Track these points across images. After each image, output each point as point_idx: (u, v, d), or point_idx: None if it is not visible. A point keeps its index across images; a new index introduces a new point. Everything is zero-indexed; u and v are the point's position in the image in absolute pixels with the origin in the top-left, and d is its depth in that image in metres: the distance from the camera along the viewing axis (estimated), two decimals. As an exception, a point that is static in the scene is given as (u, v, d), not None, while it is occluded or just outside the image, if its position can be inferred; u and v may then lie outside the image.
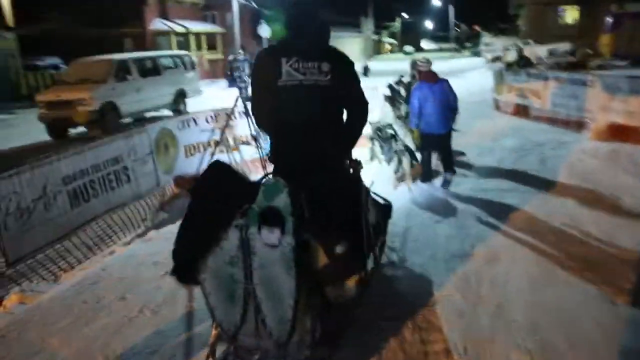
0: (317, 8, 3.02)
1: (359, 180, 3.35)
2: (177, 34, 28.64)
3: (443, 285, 3.78)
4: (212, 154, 7.78)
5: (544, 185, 6.40)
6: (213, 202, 2.36)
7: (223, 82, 26.93)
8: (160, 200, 7.13)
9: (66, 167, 5.64)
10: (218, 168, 2.52)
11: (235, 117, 8.44)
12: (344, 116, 3.08)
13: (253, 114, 3.18)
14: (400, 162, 6.67)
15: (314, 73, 2.86)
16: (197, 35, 30.42)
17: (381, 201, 4.58)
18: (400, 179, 6.81)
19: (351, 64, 3.04)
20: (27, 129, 14.34)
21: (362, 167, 3.33)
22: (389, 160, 6.74)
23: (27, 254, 5.03)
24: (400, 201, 6.03)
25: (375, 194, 4.73)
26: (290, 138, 2.94)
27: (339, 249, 2.68)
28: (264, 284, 2.38)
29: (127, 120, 13.84)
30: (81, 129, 13.22)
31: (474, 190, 6.33)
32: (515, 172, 7.18)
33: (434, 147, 6.62)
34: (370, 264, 3.70)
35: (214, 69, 31.02)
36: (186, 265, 2.37)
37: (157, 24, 27.77)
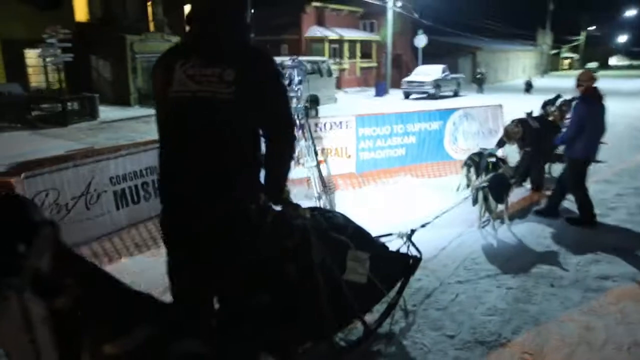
0: None
1: (301, 231, 2.47)
2: (331, 40, 28.97)
3: (434, 387, 2.68)
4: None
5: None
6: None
7: (373, 91, 26.65)
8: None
9: (115, 168, 5.53)
10: (9, 202, 1.88)
11: (323, 127, 7.79)
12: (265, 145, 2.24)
13: None
14: (485, 199, 5.38)
15: (212, 82, 2.06)
16: (352, 42, 30.48)
17: (412, 252, 3.56)
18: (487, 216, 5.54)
19: (271, 71, 2.17)
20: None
21: (302, 214, 2.45)
22: (474, 200, 5.48)
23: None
24: (472, 246, 4.87)
25: (410, 241, 3.72)
26: (175, 170, 2.19)
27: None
28: None
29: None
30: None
31: (580, 244, 4.86)
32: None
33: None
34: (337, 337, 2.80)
35: (366, 77, 30.82)
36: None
37: (313, 31, 28.41)
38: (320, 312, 2.61)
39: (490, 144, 8.69)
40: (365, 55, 31.81)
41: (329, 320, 2.67)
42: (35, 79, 19.78)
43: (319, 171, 6.12)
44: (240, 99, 2.05)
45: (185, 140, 2.12)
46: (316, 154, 6.03)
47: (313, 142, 5.96)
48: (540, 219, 5.78)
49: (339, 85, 28.52)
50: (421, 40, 28.45)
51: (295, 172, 7.30)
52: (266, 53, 2.23)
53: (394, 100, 23.29)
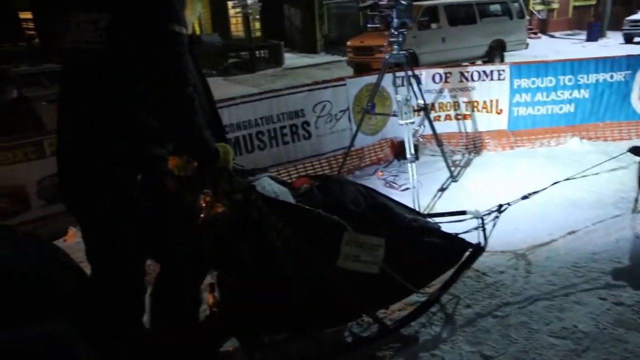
0: None
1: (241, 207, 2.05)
2: (540, -24, 25.41)
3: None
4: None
5: None
6: None
7: (585, 35, 22.90)
8: (351, 163, 6.45)
9: (229, 116, 5.58)
10: None
11: (470, 78, 6.81)
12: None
13: None
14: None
15: (88, 31, 1.77)
16: (566, -23, 26.36)
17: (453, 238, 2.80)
18: None
19: (162, 8, 1.76)
20: (348, 71, 15.40)
21: (238, 187, 2.03)
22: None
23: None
24: (607, 236, 3.80)
25: (482, 226, 2.93)
26: (59, 135, 1.94)
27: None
28: None
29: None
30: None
31: None
32: None
33: None
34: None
35: (581, 17, 26.58)
36: None
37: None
38: (288, 301, 2.21)
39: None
40: (583, -9, 27.30)
41: (305, 311, 2.25)
42: (235, 29, 21.50)
43: (432, 127, 5.37)
44: (111, 50, 1.75)
45: (65, 102, 1.89)
46: (426, 109, 5.25)
47: (422, 96, 5.18)
48: None
49: (545, 29, 25.21)
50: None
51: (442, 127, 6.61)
52: None
53: (610, 45, 19.64)
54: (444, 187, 5.35)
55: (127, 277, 1.95)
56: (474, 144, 6.88)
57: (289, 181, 2.77)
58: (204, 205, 2.10)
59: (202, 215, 2.08)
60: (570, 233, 3.85)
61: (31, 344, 1.53)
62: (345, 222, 2.29)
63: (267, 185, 2.28)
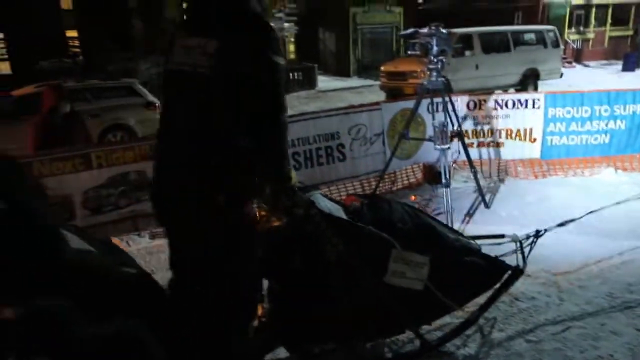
0: None
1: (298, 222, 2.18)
2: (576, 6, 25.33)
3: None
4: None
5: None
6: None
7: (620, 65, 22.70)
8: (383, 186, 6.55)
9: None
10: None
11: (504, 106, 6.89)
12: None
13: None
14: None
15: (195, 55, 1.91)
16: (601, 7, 26.18)
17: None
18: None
19: (257, 44, 1.89)
20: (380, 96, 15.57)
21: (300, 203, 2.15)
22: None
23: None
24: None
25: (521, 249, 2.99)
26: (159, 147, 2.09)
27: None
28: None
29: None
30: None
31: None
32: None
33: None
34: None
35: (617, 47, 26.34)
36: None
37: (554, -4, 25.24)
38: (337, 313, 2.33)
39: None
40: (619, 21, 27.05)
41: (353, 323, 2.36)
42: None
43: (467, 153, 5.45)
44: (219, 73, 1.86)
45: (168, 120, 2.05)
46: (461, 135, 5.34)
47: (458, 122, 5.28)
48: None
49: (579, 58, 25.10)
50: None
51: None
52: (260, 23, 1.95)
53: (647, 76, 19.41)
54: (476, 212, 5.40)
55: (206, 286, 2.07)
56: (507, 171, 6.92)
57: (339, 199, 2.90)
58: (259, 218, 2.24)
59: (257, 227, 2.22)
60: (604, 262, 3.86)
61: (114, 339, 1.67)
62: (393, 239, 2.41)
63: (321, 201, 2.42)
